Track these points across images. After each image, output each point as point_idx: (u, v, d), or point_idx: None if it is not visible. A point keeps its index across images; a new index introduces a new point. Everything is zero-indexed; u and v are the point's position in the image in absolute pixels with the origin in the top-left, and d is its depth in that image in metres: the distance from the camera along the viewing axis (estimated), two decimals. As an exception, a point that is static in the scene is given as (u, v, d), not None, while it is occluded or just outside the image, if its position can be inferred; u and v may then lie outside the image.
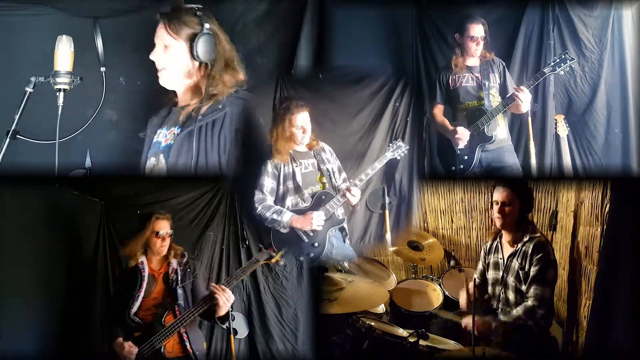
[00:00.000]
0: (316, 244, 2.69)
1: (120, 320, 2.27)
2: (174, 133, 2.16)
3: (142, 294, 2.27)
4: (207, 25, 2.06)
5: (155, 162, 2.17)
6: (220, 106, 2.09)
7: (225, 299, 2.17)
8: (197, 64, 2.10)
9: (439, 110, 3.05)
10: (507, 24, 3.07)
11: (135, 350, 2.18)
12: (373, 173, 2.74)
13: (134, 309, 2.26)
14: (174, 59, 2.09)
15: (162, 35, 2.08)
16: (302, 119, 2.66)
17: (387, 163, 2.80)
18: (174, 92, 2.24)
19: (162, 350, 2.19)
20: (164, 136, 2.20)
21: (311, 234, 2.67)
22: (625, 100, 2.93)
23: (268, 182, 2.71)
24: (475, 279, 2.47)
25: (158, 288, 2.33)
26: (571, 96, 3.04)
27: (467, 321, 2.26)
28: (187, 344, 2.26)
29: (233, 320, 2.91)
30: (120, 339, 2.22)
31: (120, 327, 2.26)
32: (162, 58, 2.09)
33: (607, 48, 2.94)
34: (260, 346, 2.96)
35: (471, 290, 2.32)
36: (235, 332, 2.95)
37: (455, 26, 2.98)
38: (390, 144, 2.80)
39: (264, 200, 2.70)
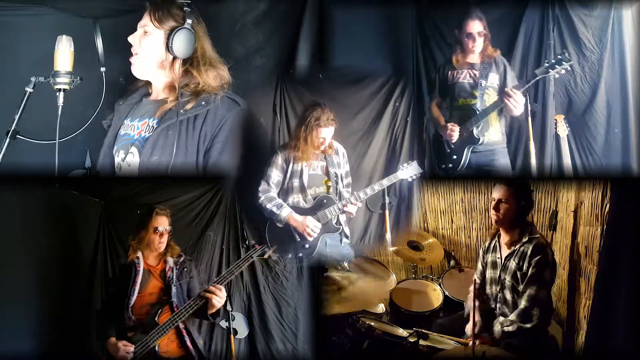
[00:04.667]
0: (307, 246, 2.72)
1: (117, 319, 2.24)
2: (148, 124, 2.10)
3: (137, 289, 2.26)
4: (189, 21, 2.05)
5: (124, 155, 2.10)
6: (203, 102, 2.04)
7: (220, 298, 2.18)
8: (170, 57, 2.07)
9: (435, 104, 3.05)
10: (507, 24, 3.06)
11: (131, 348, 2.13)
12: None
13: (131, 304, 2.24)
14: (150, 46, 2.07)
15: (145, 21, 2.08)
16: (327, 133, 2.72)
17: (387, 162, 2.80)
18: (147, 81, 2.21)
19: (156, 349, 2.16)
20: (135, 128, 2.14)
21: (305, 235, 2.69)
22: (625, 100, 2.93)
23: (275, 175, 2.74)
24: (475, 279, 2.47)
25: (154, 284, 2.31)
26: (571, 96, 3.03)
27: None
28: (187, 339, 2.25)
29: (233, 320, 2.93)
30: (114, 339, 2.19)
31: (114, 327, 2.23)
32: (139, 42, 2.08)
33: (607, 48, 2.94)
34: (260, 346, 2.96)
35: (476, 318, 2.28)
36: (235, 332, 2.95)
37: (455, 23, 2.96)
38: (405, 164, 2.81)
39: (269, 191, 2.74)
